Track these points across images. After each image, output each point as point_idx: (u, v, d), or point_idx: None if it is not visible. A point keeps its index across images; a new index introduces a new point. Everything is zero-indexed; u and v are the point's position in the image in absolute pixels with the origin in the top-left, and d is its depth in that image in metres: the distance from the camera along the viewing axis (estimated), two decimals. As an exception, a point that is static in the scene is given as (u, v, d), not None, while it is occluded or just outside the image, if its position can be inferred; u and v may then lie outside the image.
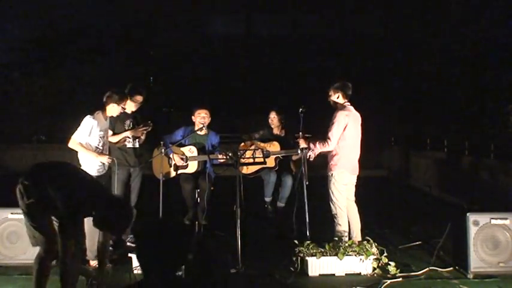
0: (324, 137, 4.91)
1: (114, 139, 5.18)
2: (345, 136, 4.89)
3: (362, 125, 5.06)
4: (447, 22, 14.97)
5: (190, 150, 5.65)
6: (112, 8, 17.79)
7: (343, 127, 4.87)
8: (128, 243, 5.37)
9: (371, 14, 18.97)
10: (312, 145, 5.00)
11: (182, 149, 5.68)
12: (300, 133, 5.11)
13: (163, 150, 5.28)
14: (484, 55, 13.60)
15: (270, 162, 6.17)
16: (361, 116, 5.09)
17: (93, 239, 4.73)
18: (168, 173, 5.69)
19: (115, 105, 4.92)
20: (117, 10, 17.93)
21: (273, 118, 6.34)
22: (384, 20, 18.46)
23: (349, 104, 5.00)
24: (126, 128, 5.32)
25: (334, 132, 4.86)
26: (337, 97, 5.00)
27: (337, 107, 4.97)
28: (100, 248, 3.84)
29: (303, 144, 5.08)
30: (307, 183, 4.99)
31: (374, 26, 18.83)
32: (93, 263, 4.79)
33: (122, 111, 5.04)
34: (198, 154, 5.70)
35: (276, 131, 6.41)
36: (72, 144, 4.77)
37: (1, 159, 12.86)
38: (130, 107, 5.32)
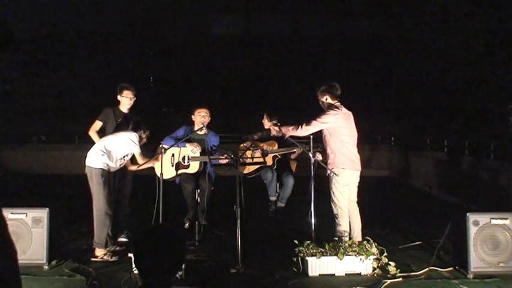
0: (300, 123, 4.97)
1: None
2: (339, 135, 4.90)
3: (357, 124, 5.07)
4: (448, 22, 14.97)
5: (193, 151, 5.64)
6: (112, 8, 17.79)
7: (325, 126, 4.90)
8: (121, 239, 5.40)
9: (371, 14, 18.98)
10: (283, 128, 5.18)
11: (184, 149, 5.67)
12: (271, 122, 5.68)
13: (163, 150, 5.27)
14: (484, 55, 13.60)
15: (268, 160, 6.21)
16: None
17: (102, 230, 4.79)
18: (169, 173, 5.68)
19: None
20: (117, 10, 17.94)
21: (264, 120, 6.37)
22: (384, 20, 18.47)
23: (339, 103, 5.02)
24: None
25: (314, 125, 4.88)
26: (325, 99, 5.04)
27: (328, 108, 5.01)
28: None
29: (271, 127, 5.66)
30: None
31: (374, 26, 18.84)
32: (100, 253, 4.82)
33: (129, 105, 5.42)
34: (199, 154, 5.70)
35: (273, 132, 6.42)
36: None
37: (1, 159, 12.86)
38: (124, 104, 5.45)
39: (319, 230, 5.01)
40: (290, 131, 5.08)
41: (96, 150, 4.94)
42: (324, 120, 4.89)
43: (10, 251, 2.60)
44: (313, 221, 4.88)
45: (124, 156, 5.06)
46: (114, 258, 4.82)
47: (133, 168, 5.28)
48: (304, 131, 4.93)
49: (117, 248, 5.06)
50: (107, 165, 4.93)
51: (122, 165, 5.12)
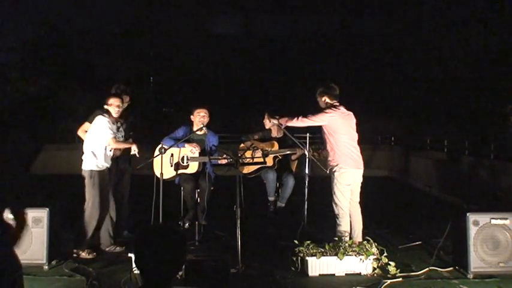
0: (298, 115, 5.05)
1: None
2: (337, 134, 4.92)
3: (357, 124, 5.08)
4: (448, 22, 14.96)
5: (192, 151, 5.64)
6: (112, 8, 17.79)
7: (321, 123, 4.97)
8: (121, 239, 5.40)
9: (371, 15, 18.98)
10: (281, 120, 5.27)
11: (183, 149, 5.66)
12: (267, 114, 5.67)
13: (163, 150, 5.27)
14: (484, 55, 13.59)
15: (269, 161, 6.21)
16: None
17: (86, 228, 4.87)
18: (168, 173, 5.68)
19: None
20: (117, 10, 17.94)
21: (264, 120, 6.35)
22: (385, 21, 18.47)
23: (338, 103, 5.03)
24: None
25: (310, 119, 4.95)
26: (323, 100, 5.08)
27: (326, 107, 5.05)
28: None
29: (268, 123, 5.69)
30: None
31: (374, 27, 18.84)
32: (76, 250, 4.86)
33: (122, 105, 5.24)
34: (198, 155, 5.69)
35: (274, 133, 6.42)
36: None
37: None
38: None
39: (319, 230, 5.01)
40: (287, 121, 5.16)
41: (85, 153, 4.98)
42: (320, 118, 4.94)
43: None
44: (305, 206, 4.96)
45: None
46: (90, 256, 4.83)
47: (115, 146, 5.07)
48: (300, 121, 5.02)
49: (117, 249, 5.06)
50: (98, 165, 4.92)
51: (111, 150, 5.07)
